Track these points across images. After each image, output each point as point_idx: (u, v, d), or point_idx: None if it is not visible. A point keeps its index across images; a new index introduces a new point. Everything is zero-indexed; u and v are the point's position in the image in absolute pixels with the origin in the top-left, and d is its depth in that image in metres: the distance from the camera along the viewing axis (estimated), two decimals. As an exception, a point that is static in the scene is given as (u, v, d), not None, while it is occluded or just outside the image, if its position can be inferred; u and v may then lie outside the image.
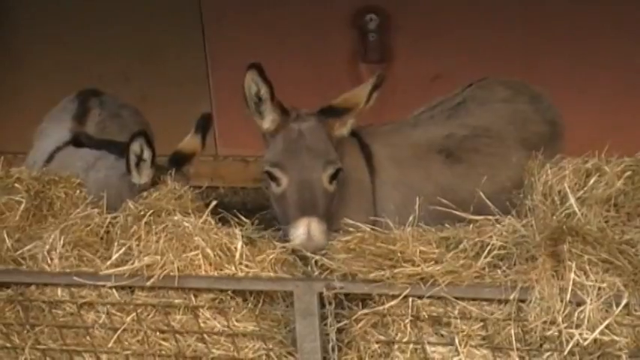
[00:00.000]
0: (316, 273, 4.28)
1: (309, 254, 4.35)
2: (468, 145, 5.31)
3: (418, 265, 4.08)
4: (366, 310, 4.18)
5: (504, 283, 3.99)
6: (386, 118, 5.64)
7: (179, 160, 5.38)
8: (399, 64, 8.06)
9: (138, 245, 4.42)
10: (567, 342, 3.86)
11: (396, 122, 5.59)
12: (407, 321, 4.13)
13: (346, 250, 4.25)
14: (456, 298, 4.05)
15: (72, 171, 5.30)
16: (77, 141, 5.86)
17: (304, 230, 4.53)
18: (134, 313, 4.41)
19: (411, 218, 4.37)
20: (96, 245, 4.61)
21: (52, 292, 4.51)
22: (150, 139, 5.18)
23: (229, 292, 4.36)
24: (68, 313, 4.52)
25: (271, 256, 4.41)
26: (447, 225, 4.44)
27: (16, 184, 4.97)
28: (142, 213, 4.56)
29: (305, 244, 4.49)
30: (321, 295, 4.19)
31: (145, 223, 4.48)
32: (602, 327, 3.81)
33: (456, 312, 4.07)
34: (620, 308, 3.82)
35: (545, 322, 3.90)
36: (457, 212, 4.47)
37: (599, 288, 3.83)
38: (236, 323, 4.38)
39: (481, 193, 4.53)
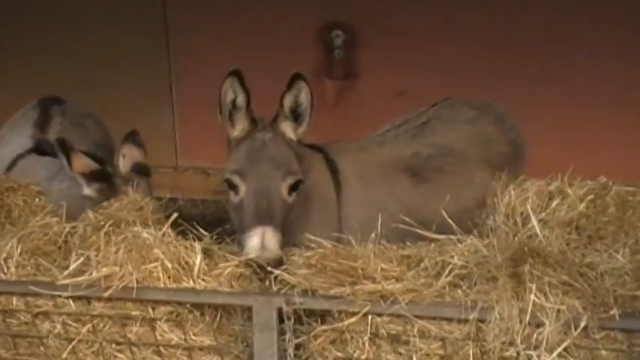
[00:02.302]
0: (274, 287, 4.26)
1: (268, 268, 4.32)
2: (433, 165, 5.32)
3: (379, 283, 4.08)
4: (325, 327, 4.17)
5: (464, 302, 3.99)
6: (350, 134, 5.64)
7: (144, 172, 5.35)
8: (364, 81, 8.06)
9: (96, 255, 4.39)
10: (525, 363, 3.87)
11: (362, 139, 5.59)
12: (366, 338, 4.12)
13: (307, 266, 4.24)
14: (416, 317, 4.05)
15: (35, 179, 5.28)
16: (40, 149, 5.80)
17: (258, 239, 4.45)
18: (90, 324, 4.37)
19: (373, 235, 4.37)
20: (54, 254, 4.58)
21: (7, 301, 4.45)
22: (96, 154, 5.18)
23: (187, 306, 4.33)
24: (23, 323, 4.48)
25: (228, 270, 4.39)
26: (408, 243, 4.44)
27: (-27, 191, 4.91)
28: (102, 223, 4.54)
29: (258, 253, 4.42)
30: (280, 310, 4.17)
31: (105, 233, 4.46)
32: (560, 349, 3.83)
33: (415, 330, 4.07)
34: (578, 331, 3.83)
35: (503, 343, 3.91)
36: (419, 231, 4.46)
37: (559, 310, 3.84)
38: (193, 337, 4.35)
39: (444, 213, 4.52)
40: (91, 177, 5.13)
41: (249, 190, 4.67)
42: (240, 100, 4.78)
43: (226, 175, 4.75)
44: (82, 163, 5.14)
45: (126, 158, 5.42)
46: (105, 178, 5.14)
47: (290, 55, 7.31)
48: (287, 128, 4.84)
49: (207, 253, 4.47)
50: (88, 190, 5.13)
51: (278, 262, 4.39)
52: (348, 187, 5.16)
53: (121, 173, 5.30)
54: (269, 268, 4.33)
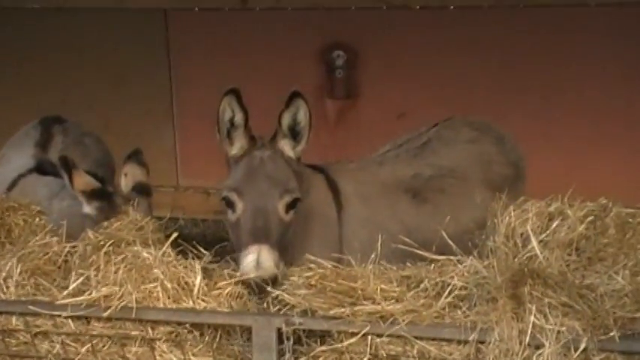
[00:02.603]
0: (272, 307, 4.25)
1: (268, 288, 4.32)
2: (434, 186, 5.32)
3: (378, 303, 4.08)
4: (324, 347, 4.16)
5: (464, 323, 3.99)
6: (351, 153, 5.65)
7: (145, 191, 5.35)
8: (365, 101, 8.07)
9: (96, 275, 4.38)
10: (525, 384, 3.86)
11: (363, 160, 5.60)
12: (365, 359, 4.10)
13: (307, 286, 4.24)
14: (416, 338, 4.04)
15: (36, 198, 5.28)
16: (41, 168, 5.80)
17: (254, 257, 4.44)
18: (89, 344, 4.36)
19: (373, 256, 4.36)
20: (53, 274, 4.57)
21: (7, 321, 4.44)
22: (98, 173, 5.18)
23: (187, 326, 4.32)
24: (22, 342, 4.46)
25: (227, 290, 4.38)
26: (408, 264, 4.43)
27: (-26, 211, 4.92)
28: (102, 243, 4.53)
29: (253, 272, 4.41)
30: (279, 331, 4.16)
31: (105, 253, 4.45)
32: (560, 370, 3.82)
33: (415, 351, 4.06)
34: (578, 352, 3.82)
35: (503, 364, 3.90)
36: (419, 251, 4.46)
37: (559, 331, 3.84)
38: (192, 357, 4.34)
39: (444, 234, 4.51)
40: (91, 195, 5.13)
41: (246, 208, 4.66)
42: (238, 118, 4.78)
43: (224, 193, 4.75)
44: (83, 181, 5.15)
45: (128, 177, 5.43)
46: (105, 196, 5.14)
47: (291, 75, 7.32)
48: (285, 146, 4.84)
49: (206, 272, 4.46)
50: (87, 209, 5.13)
51: (274, 281, 4.38)
52: (349, 207, 5.15)
53: (122, 192, 5.30)
54: (268, 288, 4.32)
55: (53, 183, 5.53)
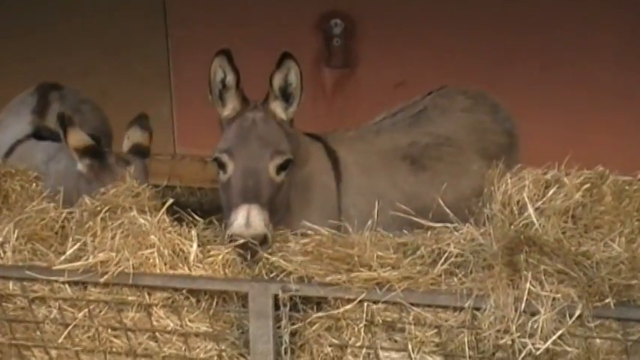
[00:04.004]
0: (264, 272, 4.28)
1: (264, 254, 4.32)
2: (432, 154, 5.32)
3: (375, 270, 4.08)
4: (320, 314, 4.17)
5: (460, 290, 4.00)
6: (348, 123, 5.64)
7: (141, 153, 5.36)
8: (363, 70, 8.06)
9: (93, 241, 4.39)
10: (520, 351, 3.88)
11: (359, 128, 5.59)
12: (361, 325, 4.12)
13: (303, 253, 4.25)
14: (412, 304, 4.05)
15: (33, 163, 5.31)
16: (39, 134, 5.80)
17: (243, 217, 4.42)
18: (86, 309, 4.38)
19: (369, 223, 4.36)
20: (50, 240, 4.58)
21: (4, 286, 4.46)
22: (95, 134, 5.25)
23: (183, 292, 4.33)
24: (19, 307, 4.49)
25: (220, 257, 4.39)
26: (405, 231, 4.44)
27: (-30, 177, 4.91)
28: (99, 209, 4.52)
29: (242, 230, 4.38)
30: (276, 297, 4.17)
31: (101, 219, 4.45)
32: (554, 337, 3.83)
33: (411, 318, 4.07)
34: (573, 319, 3.83)
35: (498, 331, 3.91)
36: (416, 219, 4.46)
37: (554, 298, 3.84)
38: (189, 323, 4.36)
39: (441, 201, 4.51)
40: (84, 152, 5.13)
41: (236, 168, 4.65)
42: (230, 79, 4.77)
43: (215, 154, 4.74)
44: (77, 138, 5.16)
45: (129, 140, 5.44)
46: (97, 154, 5.14)
47: (289, 44, 7.27)
48: (277, 108, 4.83)
49: (201, 239, 4.46)
50: (80, 166, 5.14)
51: (263, 241, 4.38)
52: (348, 176, 5.15)
53: (120, 155, 5.30)
54: (264, 254, 4.32)
55: (50, 147, 5.54)
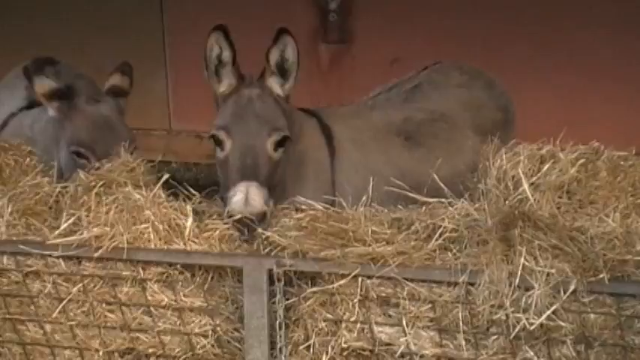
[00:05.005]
0: (262, 247, 4.26)
1: (259, 230, 4.31)
2: (426, 129, 5.32)
3: (369, 245, 4.08)
4: (315, 289, 4.17)
5: (454, 265, 4.00)
6: (344, 99, 5.63)
7: (115, 93, 5.41)
8: (359, 46, 8.05)
9: (87, 216, 4.38)
10: (514, 326, 3.88)
11: (354, 104, 5.59)
12: (355, 300, 4.12)
13: (298, 228, 4.25)
14: (406, 279, 4.05)
15: (22, 130, 5.35)
16: (32, 107, 5.79)
17: (242, 194, 4.43)
18: (81, 284, 4.38)
19: (364, 198, 4.36)
20: (44, 214, 4.58)
21: (-2, 260, 4.45)
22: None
23: (178, 267, 4.33)
24: (13, 282, 4.48)
25: (217, 232, 4.39)
26: (400, 207, 4.43)
27: (-36, 151, 4.90)
28: (93, 184, 4.51)
29: (241, 207, 4.39)
30: (270, 272, 4.17)
31: (96, 194, 4.44)
32: (548, 312, 3.83)
33: (405, 293, 4.07)
34: (567, 294, 3.83)
35: (492, 306, 3.91)
36: (411, 194, 4.46)
37: (548, 274, 3.84)
38: (183, 298, 4.35)
39: (435, 177, 4.51)
40: (51, 96, 5.18)
41: (234, 146, 4.65)
42: (226, 55, 4.76)
43: (212, 131, 4.73)
44: (43, 84, 5.21)
45: (108, 83, 5.49)
46: (64, 96, 5.15)
47: (284, 19, 7.24)
48: (274, 84, 4.81)
49: (196, 214, 4.46)
50: (50, 111, 5.16)
51: (261, 218, 4.38)
52: (342, 152, 5.15)
53: (90, 95, 5.34)
54: (259, 229, 4.31)
55: (35, 112, 5.55)
